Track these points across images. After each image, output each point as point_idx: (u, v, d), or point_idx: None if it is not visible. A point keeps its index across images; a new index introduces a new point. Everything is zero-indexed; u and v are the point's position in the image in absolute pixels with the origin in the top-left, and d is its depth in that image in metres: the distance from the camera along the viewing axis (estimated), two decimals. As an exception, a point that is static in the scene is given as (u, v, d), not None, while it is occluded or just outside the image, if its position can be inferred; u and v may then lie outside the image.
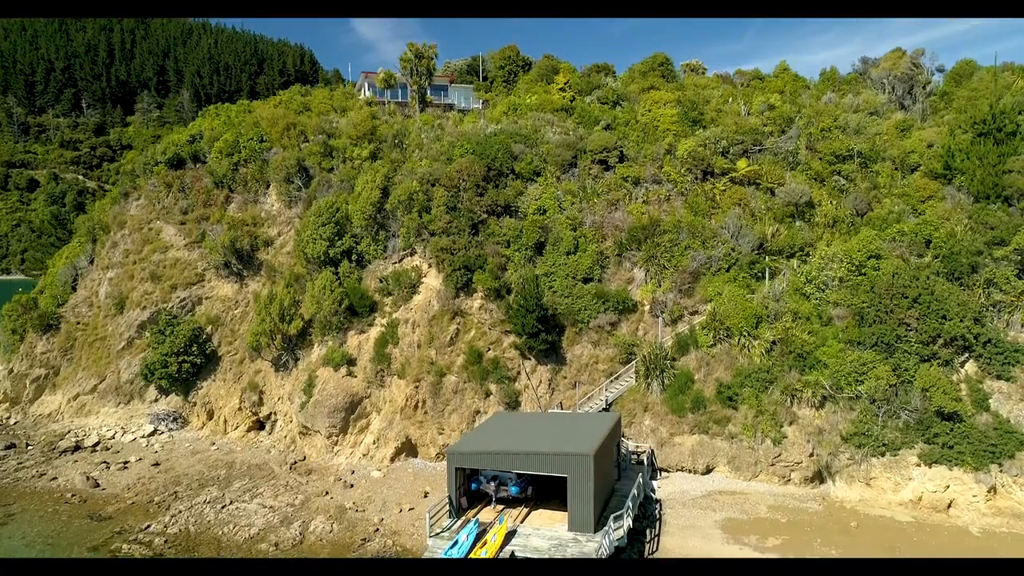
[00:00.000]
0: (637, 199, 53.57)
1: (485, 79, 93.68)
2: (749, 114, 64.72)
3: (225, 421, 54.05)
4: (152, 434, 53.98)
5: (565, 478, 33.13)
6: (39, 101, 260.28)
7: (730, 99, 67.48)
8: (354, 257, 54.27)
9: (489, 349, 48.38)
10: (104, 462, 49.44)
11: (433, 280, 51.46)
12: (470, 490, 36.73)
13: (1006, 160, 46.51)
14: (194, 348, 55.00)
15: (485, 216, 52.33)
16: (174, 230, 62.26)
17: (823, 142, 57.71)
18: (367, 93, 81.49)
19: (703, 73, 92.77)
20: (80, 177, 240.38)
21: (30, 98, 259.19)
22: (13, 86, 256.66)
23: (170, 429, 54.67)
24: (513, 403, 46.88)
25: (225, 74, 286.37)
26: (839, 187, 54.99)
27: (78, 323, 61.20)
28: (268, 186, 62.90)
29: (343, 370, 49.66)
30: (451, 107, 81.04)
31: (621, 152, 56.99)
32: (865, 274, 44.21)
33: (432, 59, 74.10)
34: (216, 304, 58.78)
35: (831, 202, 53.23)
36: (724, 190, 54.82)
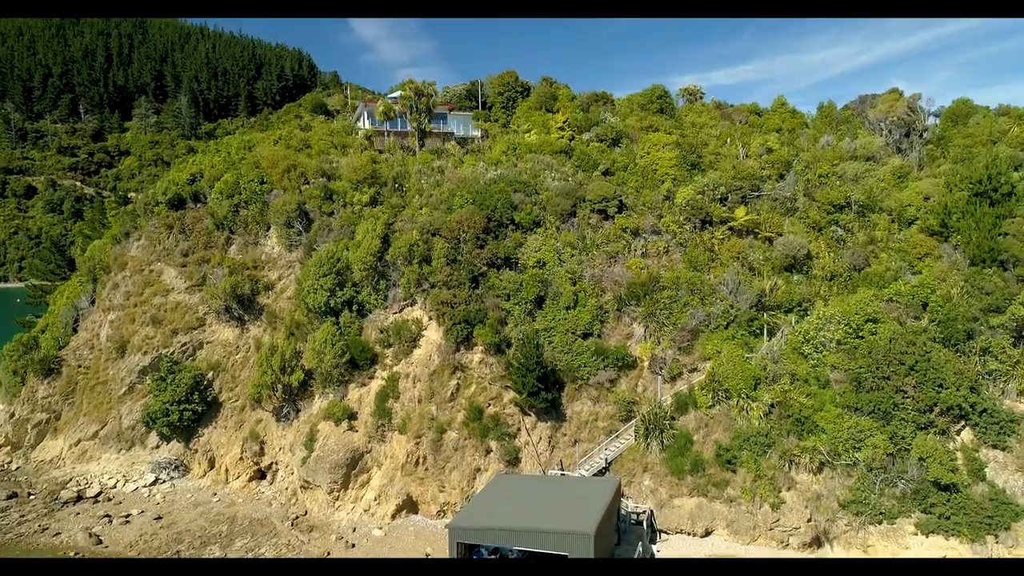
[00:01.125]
0: (636, 251, 53.84)
1: (484, 104, 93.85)
2: (747, 156, 65.02)
3: (227, 470, 54.28)
4: (154, 483, 54.25)
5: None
6: (37, 107, 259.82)
7: (728, 140, 67.73)
8: (355, 307, 54.49)
9: (489, 405, 48.69)
10: (107, 515, 49.67)
11: (433, 333, 51.72)
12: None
13: (1001, 223, 46.89)
14: (195, 396, 55.27)
15: (485, 268, 52.58)
16: (175, 272, 62.38)
17: (821, 190, 58.03)
18: (366, 123, 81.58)
19: (700, 98, 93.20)
20: (78, 183, 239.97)
21: (27, 104, 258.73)
22: (10, 92, 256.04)
23: (171, 477, 54.92)
24: (513, 460, 47.22)
25: (223, 79, 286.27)
26: (837, 237, 55.34)
27: (79, 366, 61.34)
28: (269, 228, 63.06)
29: (344, 424, 49.95)
30: (450, 135, 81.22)
31: (620, 201, 57.22)
32: (863, 337, 44.56)
33: (431, 96, 74.27)
34: (217, 349, 58.99)
35: (829, 253, 53.58)
36: (723, 239, 55.14)
